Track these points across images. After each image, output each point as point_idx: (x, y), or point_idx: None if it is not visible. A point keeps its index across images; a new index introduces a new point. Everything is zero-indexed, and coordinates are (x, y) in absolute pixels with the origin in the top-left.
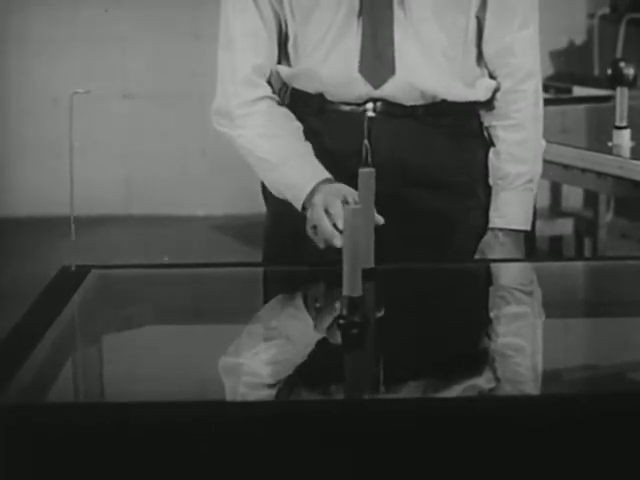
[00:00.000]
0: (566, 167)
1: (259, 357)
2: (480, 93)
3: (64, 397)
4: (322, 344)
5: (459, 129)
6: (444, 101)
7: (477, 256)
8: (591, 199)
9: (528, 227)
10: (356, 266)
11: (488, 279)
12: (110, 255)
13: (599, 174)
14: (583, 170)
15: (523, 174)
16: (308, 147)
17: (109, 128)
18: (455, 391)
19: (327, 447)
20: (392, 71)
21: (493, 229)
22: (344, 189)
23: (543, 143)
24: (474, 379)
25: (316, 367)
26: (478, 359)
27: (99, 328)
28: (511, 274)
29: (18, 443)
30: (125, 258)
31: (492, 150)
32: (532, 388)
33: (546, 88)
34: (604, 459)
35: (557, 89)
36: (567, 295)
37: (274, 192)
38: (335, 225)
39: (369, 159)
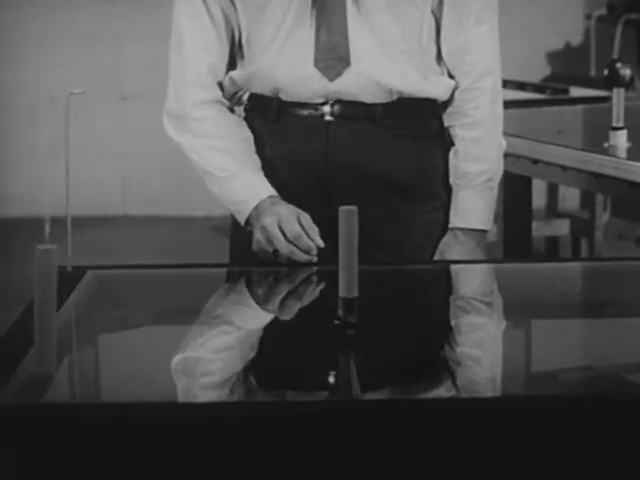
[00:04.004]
0: (563, 168)
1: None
2: (439, 91)
3: (60, 398)
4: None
5: (418, 131)
6: (402, 99)
7: (436, 257)
8: (587, 200)
9: (488, 227)
10: (352, 267)
11: (461, 280)
12: (107, 256)
13: (595, 175)
14: (579, 171)
15: (482, 172)
16: (255, 160)
17: (105, 128)
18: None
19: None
20: (347, 62)
21: (453, 229)
22: (293, 209)
23: (503, 142)
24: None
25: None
26: (437, 366)
27: (95, 329)
28: (485, 276)
29: (15, 443)
30: (122, 259)
31: (452, 150)
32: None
33: (543, 89)
34: (582, 461)
35: (554, 90)
36: (563, 296)
37: (222, 203)
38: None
39: None
